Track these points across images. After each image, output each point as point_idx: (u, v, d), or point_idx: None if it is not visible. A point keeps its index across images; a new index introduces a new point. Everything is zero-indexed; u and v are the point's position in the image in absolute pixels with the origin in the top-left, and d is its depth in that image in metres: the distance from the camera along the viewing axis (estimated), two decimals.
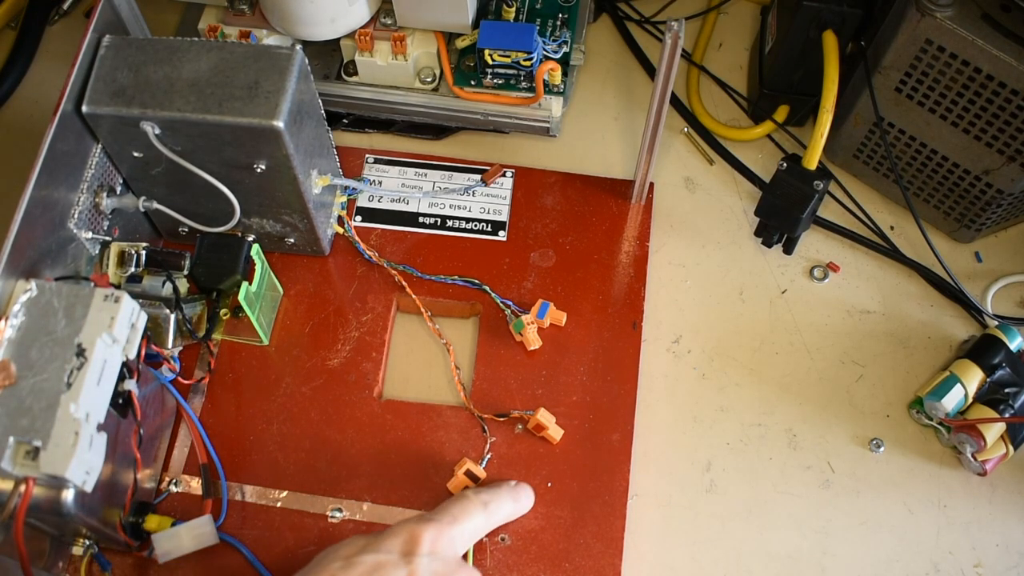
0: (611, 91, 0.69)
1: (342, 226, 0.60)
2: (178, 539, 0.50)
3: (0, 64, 0.69)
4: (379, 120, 0.65)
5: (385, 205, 0.62)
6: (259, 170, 0.51)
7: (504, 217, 0.62)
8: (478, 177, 0.63)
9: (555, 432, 0.54)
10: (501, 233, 0.61)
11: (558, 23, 0.63)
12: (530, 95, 0.61)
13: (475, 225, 0.62)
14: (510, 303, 0.58)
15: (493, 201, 0.62)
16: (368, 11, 0.60)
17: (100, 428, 0.43)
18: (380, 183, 0.63)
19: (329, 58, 0.64)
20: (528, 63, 0.59)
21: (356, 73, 0.63)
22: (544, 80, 0.60)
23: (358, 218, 0.62)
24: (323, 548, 0.52)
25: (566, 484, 0.54)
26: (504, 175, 0.63)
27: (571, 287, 0.60)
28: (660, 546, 0.54)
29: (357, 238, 0.60)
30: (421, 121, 0.64)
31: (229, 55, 0.50)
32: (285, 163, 0.51)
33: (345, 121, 0.65)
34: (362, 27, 0.60)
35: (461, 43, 0.62)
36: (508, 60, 0.59)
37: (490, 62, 0.60)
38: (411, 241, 0.61)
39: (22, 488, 0.41)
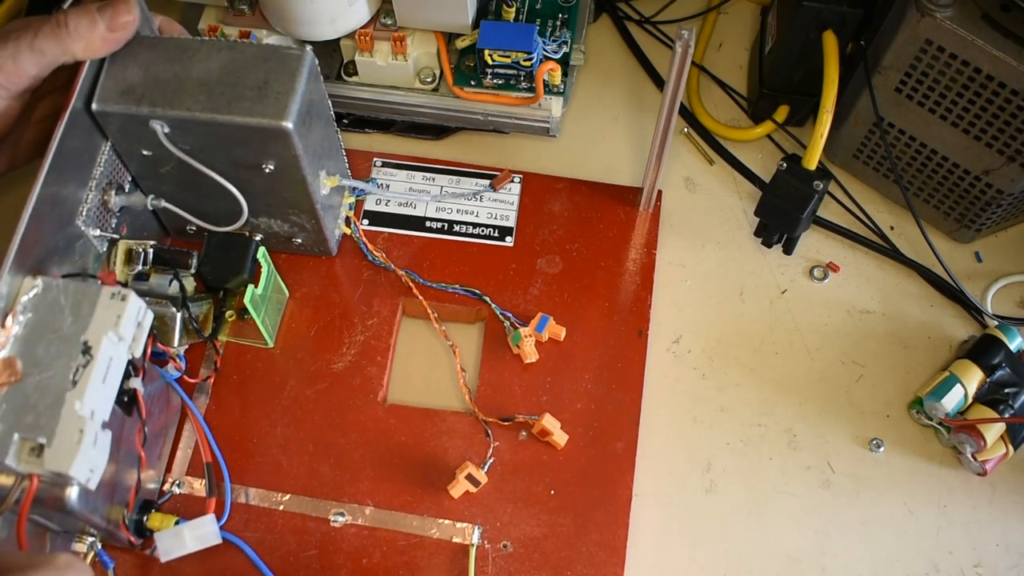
0: (611, 91, 0.69)
1: (349, 227, 0.60)
2: (180, 538, 0.50)
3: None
4: (379, 120, 0.65)
5: (392, 209, 0.62)
6: (268, 170, 0.51)
7: (511, 223, 0.62)
8: (486, 182, 0.63)
9: (560, 437, 0.54)
10: (508, 239, 0.61)
11: (558, 23, 0.63)
12: (530, 95, 0.61)
13: (482, 230, 0.62)
14: (509, 315, 0.58)
15: (500, 207, 0.62)
16: (368, 11, 0.60)
17: (105, 426, 0.43)
18: (388, 186, 0.63)
19: (329, 58, 0.64)
20: (528, 63, 0.59)
21: (356, 73, 0.63)
22: (544, 80, 0.60)
23: (365, 221, 0.62)
24: (325, 551, 0.52)
25: (569, 491, 0.54)
26: (512, 180, 0.63)
27: (577, 294, 0.59)
28: (660, 546, 0.54)
29: (364, 239, 0.60)
30: (421, 121, 0.64)
31: (239, 55, 0.50)
32: (294, 164, 0.51)
33: (345, 121, 0.65)
34: (362, 27, 0.60)
35: (461, 43, 0.62)
36: (508, 60, 0.59)
37: (490, 62, 0.60)
38: (417, 245, 0.61)
39: (25, 484, 0.41)
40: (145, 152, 0.51)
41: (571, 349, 0.58)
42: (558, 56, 0.61)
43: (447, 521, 0.53)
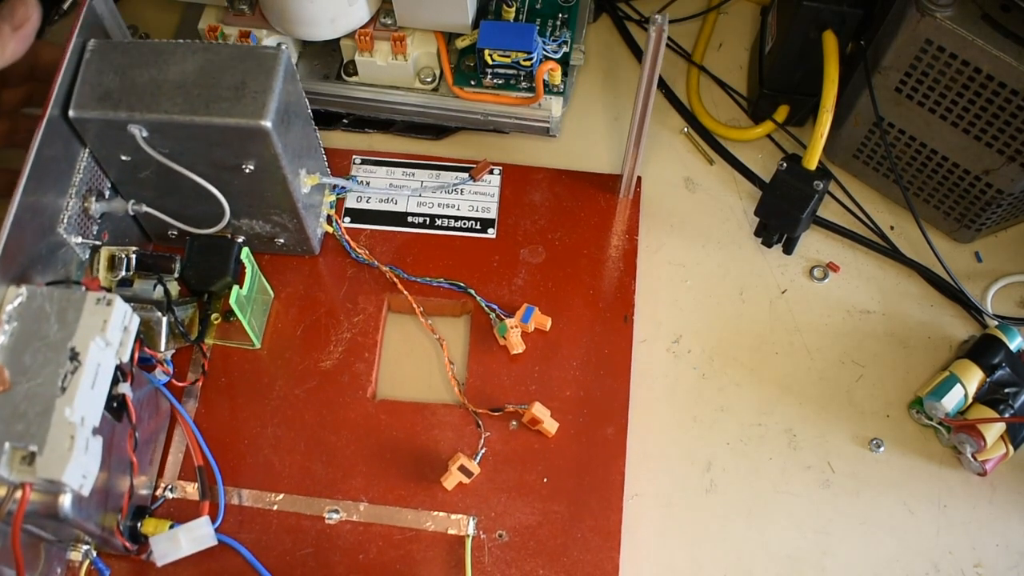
0: (611, 91, 0.69)
1: (331, 225, 0.60)
2: (176, 541, 0.50)
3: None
4: (379, 120, 0.65)
5: (373, 205, 0.62)
6: (247, 171, 0.51)
7: (493, 215, 0.62)
8: (466, 175, 0.63)
9: (550, 425, 0.54)
10: (490, 231, 0.61)
11: (558, 23, 0.63)
12: (530, 95, 0.61)
13: (464, 223, 0.62)
14: (495, 307, 0.58)
15: (481, 199, 0.62)
16: (368, 11, 0.60)
17: (95, 432, 0.43)
18: (368, 183, 0.63)
19: (329, 58, 0.64)
20: (528, 63, 0.59)
21: (356, 73, 0.63)
22: (544, 80, 0.60)
23: (347, 219, 0.62)
24: (321, 549, 0.52)
25: (562, 479, 0.54)
26: (492, 172, 0.63)
27: (561, 283, 0.60)
28: (660, 546, 0.54)
29: (346, 236, 0.60)
30: (421, 121, 0.64)
31: (215, 56, 0.50)
32: (273, 163, 0.51)
33: (345, 121, 0.65)
34: (362, 27, 0.60)
35: (461, 43, 0.62)
36: (508, 60, 0.59)
37: (490, 62, 0.60)
38: (400, 241, 0.61)
39: (17, 494, 0.41)
40: (124, 157, 0.51)
41: (557, 338, 0.58)
42: (558, 56, 0.61)
43: (442, 513, 0.53)
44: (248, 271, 0.54)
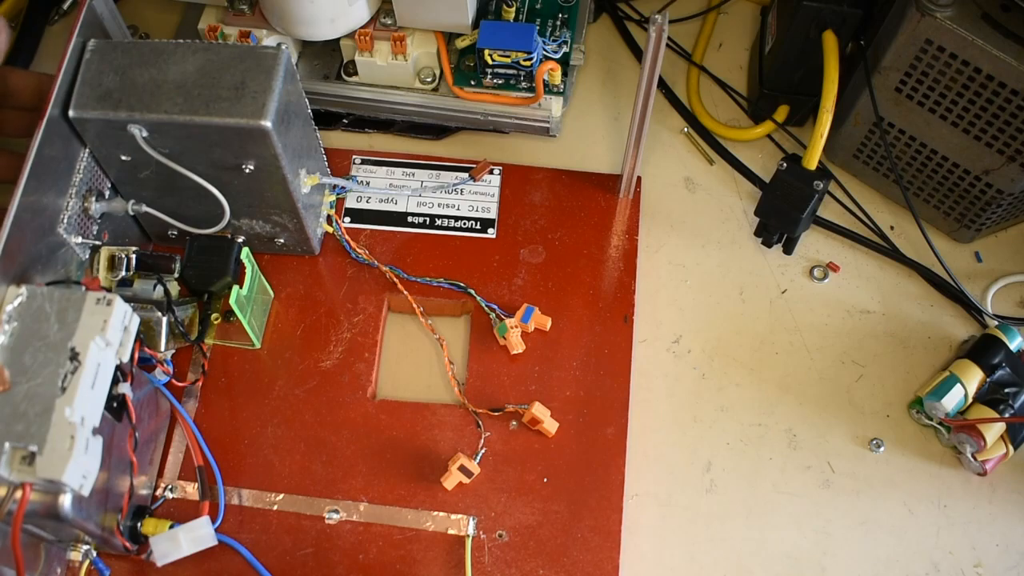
0: (611, 91, 0.69)
1: (331, 225, 0.60)
2: (176, 541, 0.50)
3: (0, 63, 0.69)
4: (379, 120, 0.65)
5: (373, 205, 0.62)
6: (248, 171, 0.51)
7: (493, 215, 0.62)
8: (466, 175, 0.63)
9: (550, 425, 0.54)
10: (490, 230, 0.61)
11: (558, 23, 0.63)
12: (530, 95, 0.61)
13: (464, 223, 0.62)
14: (495, 307, 0.58)
15: (481, 199, 0.62)
16: (368, 11, 0.60)
17: (95, 432, 0.43)
18: (368, 183, 0.63)
19: (329, 58, 0.64)
20: (528, 63, 0.59)
21: (356, 73, 0.63)
22: (544, 80, 0.60)
23: (347, 219, 0.62)
24: (321, 549, 0.52)
25: (562, 479, 0.54)
26: (492, 172, 0.63)
27: (561, 283, 0.60)
28: (660, 546, 0.54)
29: (346, 236, 0.60)
30: (421, 121, 0.64)
31: (215, 56, 0.50)
32: (273, 163, 0.51)
33: (345, 121, 0.65)
34: (362, 27, 0.60)
35: (461, 43, 0.62)
36: (508, 60, 0.59)
37: (490, 62, 0.60)
38: (400, 240, 0.61)
39: (17, 494, 0.41)
40: (124, 157, 0.51)
41: (557, 338, 0.58)
42: (558, 56, 0.61)
43: (442, 513, 0.53)
44: (248, 271, 0.54)
